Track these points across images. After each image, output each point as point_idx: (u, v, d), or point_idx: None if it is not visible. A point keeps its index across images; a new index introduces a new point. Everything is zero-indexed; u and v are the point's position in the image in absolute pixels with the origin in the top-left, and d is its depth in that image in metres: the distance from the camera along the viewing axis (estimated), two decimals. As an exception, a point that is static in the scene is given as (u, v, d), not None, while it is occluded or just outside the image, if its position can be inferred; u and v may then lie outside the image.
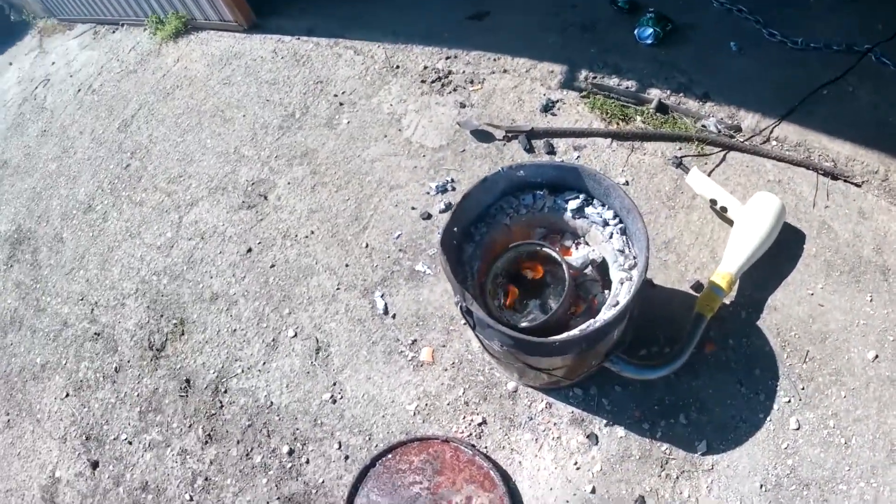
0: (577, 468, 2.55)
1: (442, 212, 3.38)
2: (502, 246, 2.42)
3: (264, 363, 3.22)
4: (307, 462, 2.87)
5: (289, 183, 3.83)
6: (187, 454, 3.13)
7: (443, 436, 2.64)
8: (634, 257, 2.34)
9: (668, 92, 3.45)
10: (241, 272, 3.56)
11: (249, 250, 3.63)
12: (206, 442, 3.12)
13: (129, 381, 3.48)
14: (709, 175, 3.13)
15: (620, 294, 2.25)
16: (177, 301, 3.62)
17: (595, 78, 3.62)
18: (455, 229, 2.32)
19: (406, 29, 4.31)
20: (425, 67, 4.06)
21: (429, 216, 3.37)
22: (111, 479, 3.25)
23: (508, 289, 2.47)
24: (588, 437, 2.60)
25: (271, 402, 3.09)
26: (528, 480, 2.56)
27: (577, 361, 2.33)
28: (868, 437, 2.42)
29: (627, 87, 3.53)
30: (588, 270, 2.46)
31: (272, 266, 3.51)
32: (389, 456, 2.64)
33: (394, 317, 3.10)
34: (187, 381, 3.33)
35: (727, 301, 2.78)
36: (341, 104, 4.10)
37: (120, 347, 3.62)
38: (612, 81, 3.57)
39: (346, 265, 3.35)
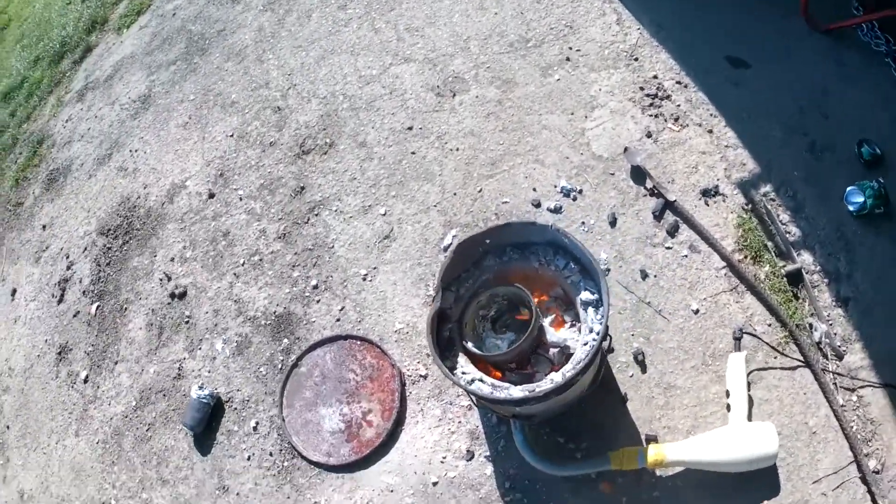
0: (442, 463, 3.24)
1: (549, 210, 3.88)
2: (516, 279, 2.95)
3: (351, 217, 4.13)
4: (318, 302, 3.84)
5: (477, 97, 4.46)
6: (264, 235, 4.24)
7: (396, 362, 3.44)
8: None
9: (818, 269, 3.32)
10: (392, 141, 4.39)
11: (409, 128, 4.41)
12: (280, 237, 4.20)
13: (272, 158, 4.60)
14: (762, 370, 3.11)
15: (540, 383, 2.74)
16: (340, 127, 4.57)
17: (772, 201, 3.60)
18: (487, 241, 2.92)
19: (673, 23, 4.38)
20: (654, 77, 4.26)
21: (538, 205, 3.89)
22: (213, 211, 4.49)
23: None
24: (468, 451, 3.24)
25: (332, 246, 4.04)
26: (408, 437, 3.34)
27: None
28: None
29: (788, 233, 3.46)
30: (554, 351, 2.88)
31: (412, 153, 4.29)
32: (358, 343, 3.52)
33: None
34: (302, 188, 4.36)
35: (659, 472, 2.98)
36: (567, 59, 4.49)
37: (284, 130, 4.72)
38: (783, 216, 3.53)
39: (454, 194, 4.04)
